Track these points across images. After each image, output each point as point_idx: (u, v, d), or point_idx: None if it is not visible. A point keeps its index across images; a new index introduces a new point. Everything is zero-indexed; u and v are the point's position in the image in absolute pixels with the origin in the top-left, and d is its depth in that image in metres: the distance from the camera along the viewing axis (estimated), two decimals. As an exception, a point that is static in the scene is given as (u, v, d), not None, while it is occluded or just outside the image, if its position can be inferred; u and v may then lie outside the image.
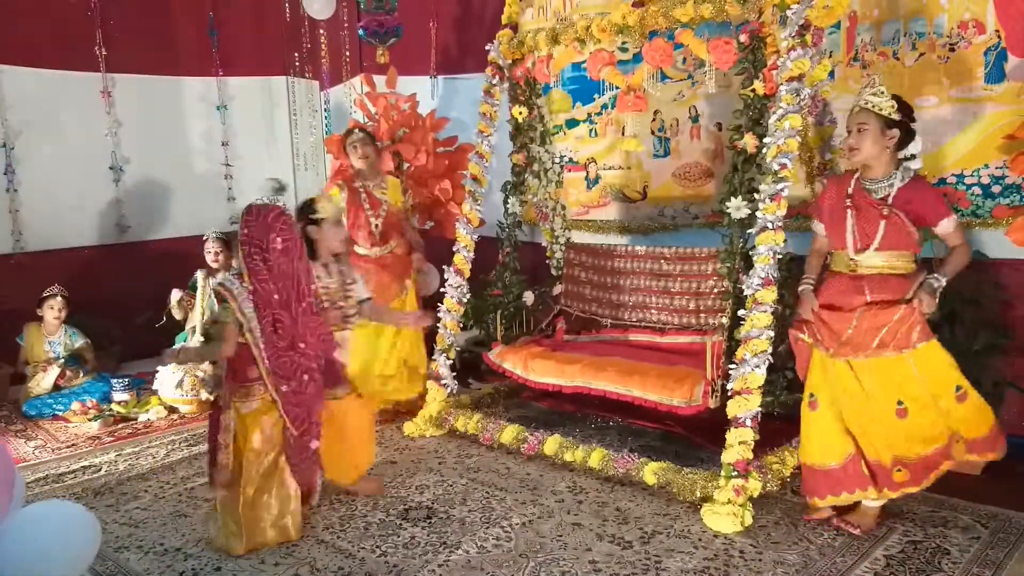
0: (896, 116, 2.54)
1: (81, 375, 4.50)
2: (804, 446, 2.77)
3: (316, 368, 2.74)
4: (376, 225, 4.04)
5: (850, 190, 2.66)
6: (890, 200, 2.56)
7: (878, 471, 2.65)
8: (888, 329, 2.57)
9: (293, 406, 2.69)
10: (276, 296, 2.63)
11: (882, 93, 2.55)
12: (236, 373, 2.69)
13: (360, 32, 5.13)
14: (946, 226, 2.56)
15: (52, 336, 4.56)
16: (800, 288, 2.78)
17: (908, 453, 2.61)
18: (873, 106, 2.54)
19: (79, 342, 4.62)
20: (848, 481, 2.66)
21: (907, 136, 2.58)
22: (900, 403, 2.59)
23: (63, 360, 4.50)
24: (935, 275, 2.55)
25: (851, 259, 2.64)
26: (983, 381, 3.13)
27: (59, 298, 4.52)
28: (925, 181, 2.64)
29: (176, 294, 4.64)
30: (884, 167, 2.60)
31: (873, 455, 2.66)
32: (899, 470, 2.63)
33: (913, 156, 2.60)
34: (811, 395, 2.75)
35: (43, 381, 4.42)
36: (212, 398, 2.78)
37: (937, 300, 2.54)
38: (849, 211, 2.63)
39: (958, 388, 2.61)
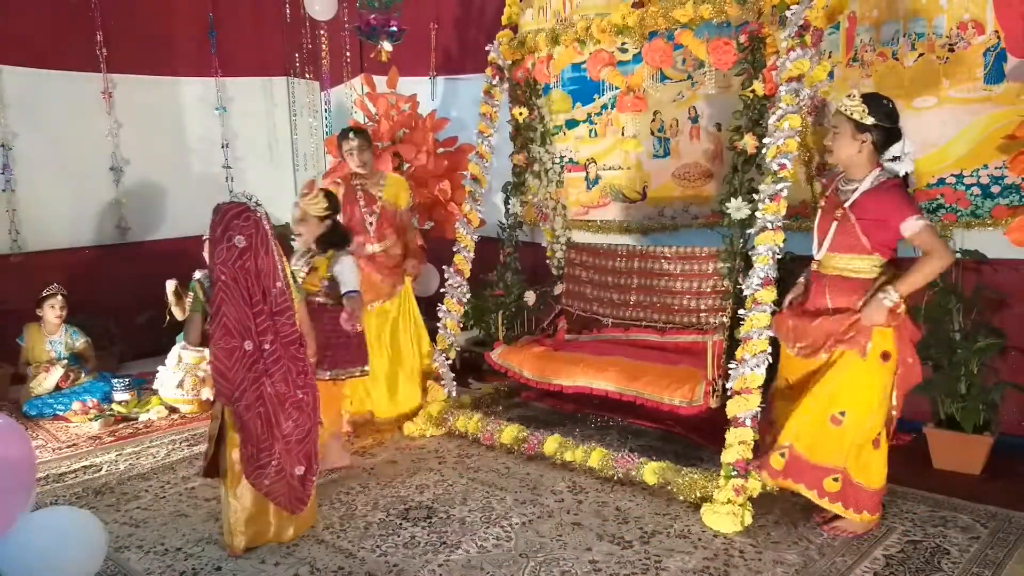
0: (867, 120, 2.52)
1: (83, 375, 4.50)
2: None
3: (263, 374, 2.58)
4: (370, 223, 3.94)
5: (828, 192, 2.72)
6: (848, 203, 2.57)
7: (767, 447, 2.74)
8: (835, 338, 2.59)
9: (238, 417, 2.57)
10: (231, 292, 2.51)
11: (854, 96, 2.55)
12: None
13: (363, 31, 5.13)
14: (909, 228, 2.46)
15: (52, 336, 4.57)
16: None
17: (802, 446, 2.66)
18: (845, 109, 2.56)
19: (80, 341, 4.63)
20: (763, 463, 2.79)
21: (890, 138, 2.55)
22: (842, 412, 2.61)
23: (66, 361, 4.50)
24: (888, 288, 2.51)
25: (815, 259, 2.72)
26: (982, 381, 3.15)
27: (59, 297, 4.52)
28: (894, 185, 2.54)
29: (171, 284, 4.55)
30: (861, 170, 2.59)
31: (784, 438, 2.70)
32: (782, 454, 2.69)
33: (896, 158, 2.56)
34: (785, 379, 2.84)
35: (45, 382, 4.41)
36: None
37: (882, 318, 2.51)
38: (819, 211, 2.71)
39: (842, 412, 2.60)
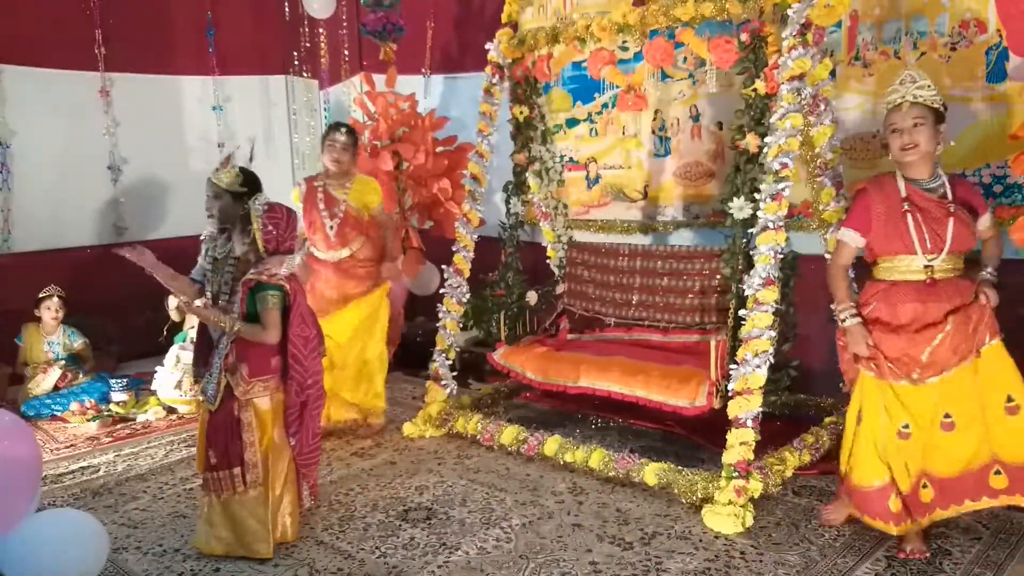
0: (942, 110, 2.47)
1: (80, 375, 4.49)
2: (852, 464, 2.60)
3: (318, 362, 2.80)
4: (331, 226, 3.66)
5: (903, 192, 2.49)
6: (950, 197, 2.46)
7: (907, 497, 2.50)
8: (974, 331, 2.45)
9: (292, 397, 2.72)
10: (295, 288, 2.70)
11: (931, 87, 2.43)
12: (257, 367, 2.62)
13: (362, 30, 5.13)
14: (987, 219, 2.55)
15: (51, 336, 4.55)
16: (845, 323, 2.55)
17: (940, 470, 2.48)
18: (928, 100, 2.43)
19: (78, 342, 4.61)
20: (873, 506, 2.54)
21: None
22: (947, 416, 2.47)
23: (64, 362, 4.48)
24: (988, 269, 2.52)
25: (926, 264, 2.45)
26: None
27: (55, 299, 4.51)
28: (962, 177, 2.62)
29: (173, 300, 4.62)
30: (930, 165, 2.49)
31: (903, 479, 2.50)
32: (924, 486, 2.50)
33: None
34: (859, 410, 2.59)
35: (43, 383, 4.39)
36: (212, 395, 2.67)
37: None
38: (909, 214, 2.45)
39: (1010, 399, 2.46)
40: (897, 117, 2.46)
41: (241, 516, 2.64)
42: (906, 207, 2.46)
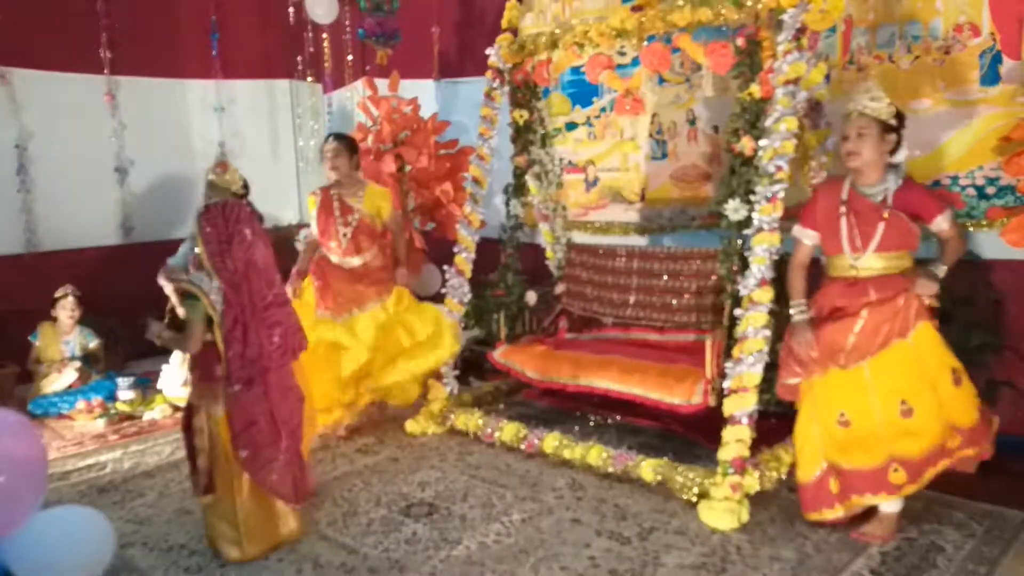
0: (894, 122, 2.58)
1: (93, 375, 4.54)
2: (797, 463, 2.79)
3: (269, 369, 2.61)
4: (344, 234, 3.75)
5: (844, 196, 2.64)
6: (889, 202, 2.60)
7: (872, 475, 2.61)
8: (894, 318, 2.57)
9: (235, 408, 2.58)
10: (243, 291, 2.56)
11: (881, 99, 2.57)
12: (204, 373, 2.61)
13: (360, 33, 5.19)
14: (945, 219, 2.60)
15: (67, 336, 4.60)
16: (794, 318, 2.71)
17: (907, 452, 2.59)
18: (874, 112, 2.55)
19: (94, 342, 4.66)
20: (819, 499, 2.70)
21: (898, 142, 2.62)
22: (904, 403, 2.57)
23: (80, 365, 4.52)
24: (936, 264, 2.60)
25: (851, 264, 2.62)
26: (977, 380, 3.17)
27: (71, 298, 4.56)
28: (915, 182, 2.70)
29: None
30: (878, 172, 2.61)
31: (866, 462, 2.60)
32: (896, 470, 2.60)
33: (899, 164, 2.65)
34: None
35: (56, 384, 4.43)
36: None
37: (937, 286, 2.57)
38: (844, 217, 2.62)
39: (954, 371, 2.62)
40: (846, 126, 2.62)
41: (210, 519, 2.67)
42: (842, 209, 2.64)
